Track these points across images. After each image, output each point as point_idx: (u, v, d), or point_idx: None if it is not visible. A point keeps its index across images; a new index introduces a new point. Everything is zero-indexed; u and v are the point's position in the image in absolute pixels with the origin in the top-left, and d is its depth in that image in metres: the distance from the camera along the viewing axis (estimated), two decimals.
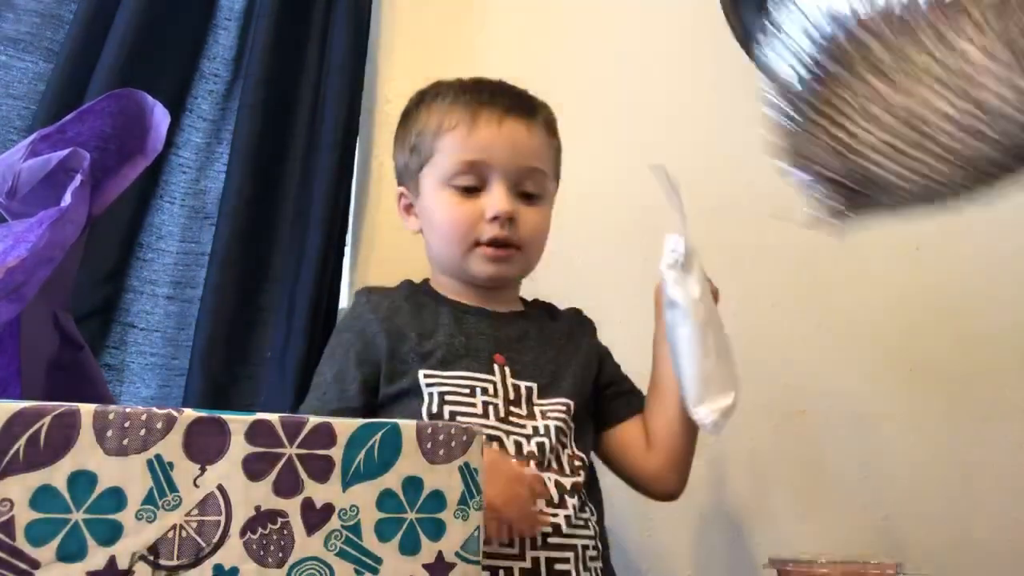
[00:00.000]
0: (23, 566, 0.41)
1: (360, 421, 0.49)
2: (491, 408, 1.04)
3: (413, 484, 0.50)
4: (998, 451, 1.53)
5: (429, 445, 0.50)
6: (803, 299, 1.55)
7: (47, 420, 0.43)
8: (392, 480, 0.49)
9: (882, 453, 1.51)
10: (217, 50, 1.42)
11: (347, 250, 1.45)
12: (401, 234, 1.47)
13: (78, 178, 0.59)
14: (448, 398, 1.03)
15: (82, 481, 0.43)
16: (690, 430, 1.13)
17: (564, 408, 1.08)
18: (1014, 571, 1.48)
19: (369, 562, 0.48)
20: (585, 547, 1.02)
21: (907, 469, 1.51)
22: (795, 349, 1.53)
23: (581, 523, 1.03)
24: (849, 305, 1.57)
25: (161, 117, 0.66)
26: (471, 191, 1.09)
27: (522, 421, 1.05)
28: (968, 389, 1.55)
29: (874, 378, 1.54)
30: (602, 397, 1.17)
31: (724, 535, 1.44)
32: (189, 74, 1.40)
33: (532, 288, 1.23)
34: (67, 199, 0.57)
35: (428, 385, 1.04)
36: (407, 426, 0.50)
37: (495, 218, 1.07)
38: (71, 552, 0.42)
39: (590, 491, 1.10)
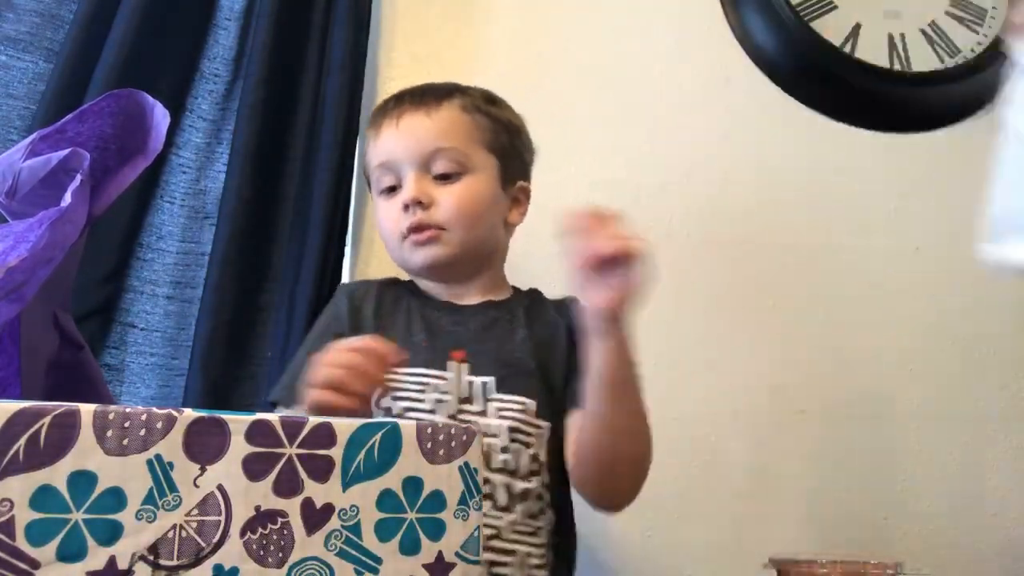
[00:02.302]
0: (23, 566, 0.41)
1: (360, 421, 0.49)
2: (441, 406, 1.03)
3: (413, 484, 0.49)
4: (998, 451, 1.53)
5: (429, 445, 0.50)
6: (803, 299, 1.55)
7: (47, 420, 0.43)
8: (392, 480, 0.49)
9: (882, 453, 1.51)
10: (217, 50, 1.42)
11: (347, 250, 1.45)
12: None
13: (78, 178, 0.58)
14: (400, 394, 1.04)
15: (82, 481, 0.43)
16: (607, 437, 0.99)
17: (520, 407, 1.05)
18: (1014, 571, 1.47)
19: (369, 562, 0.47)
20: (529, 554, 1.01)
21: (907, 469, 1.50)
22: (795, 349, 1.53)
23: (529, 530, 1.02)
24: (849, 305, 1.57)
25: (161, 117, 0.66)
26: (393, 192, 1.13)
27: (474, 419, 1.03)
28: (968, 389, 1.55)
29: (874, 378, 1.54)
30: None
31: (724, 535, 1.44)
32: (189, 74, 1.40)
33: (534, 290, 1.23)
34: (67, 199, 0.57)
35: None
36: (407, 426, 0.50)
37: (406, 207, 1.09)
38: (71, 552, 0.42)
39: (556, 496, 1.07)
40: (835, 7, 1.66)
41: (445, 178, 1.11)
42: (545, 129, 1.57)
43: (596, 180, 1.55)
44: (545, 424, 1.06)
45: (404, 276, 1.21)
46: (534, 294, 1.20)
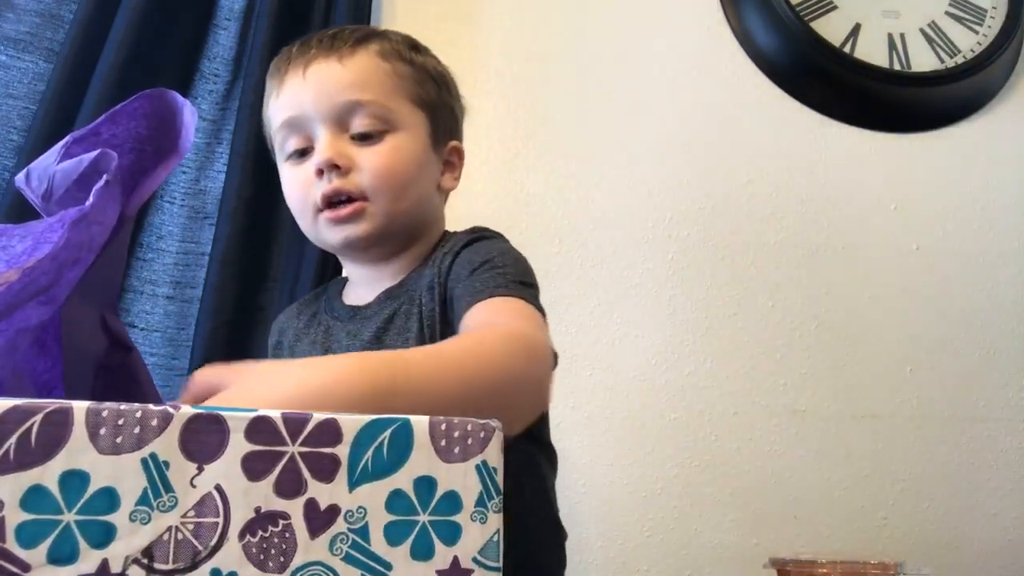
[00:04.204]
0: (14, 569, 0.39)
1: (368, 417, 0.46)
2: None
3: (426, 484, 0.46)
4: (998, 451, 1.53)
5: (443, 442, 0.47)
6: (803, 299, 1.55)
7: (39, 417, 0.41)
8: (403, 480, 0.46)
9: (882, 453, 1.51)
10: (217, 50, 1.43)
11: None
12: None
13: (103, 178, 0.58)
14: None
15: (74, 481, 0.41)
16: None
17: None
18: (1014, 571, 1.47)
19: (378, 567, 0.44)
20: None
21: (907, 469, 1.50)
22: (795, 349, 1.53)
23: None
24: (849, 305, 1.57)
25: (190, 116, 0.65)
26: (304, 156, 0.95)
27: None
28: (967, 389, 1.55)
29: (874, 378, 1.54)
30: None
31: (724, 535, 1.44)
32: (189, 74, 1.40)
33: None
34: (90, 200, 0.57)
35: None
36: (419, 422, 0.47)
37: (320, 172, 0.92)
38: (63, 555, 0.40)
39: None
40: (835, 7, 1.66)
41: (365, 138, 0.93)
42: (544, 129, 1.58)
43: (596, 180, 1.55)
44: None
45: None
46: (448, 247, 0.96)
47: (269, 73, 1.00)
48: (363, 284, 1.00)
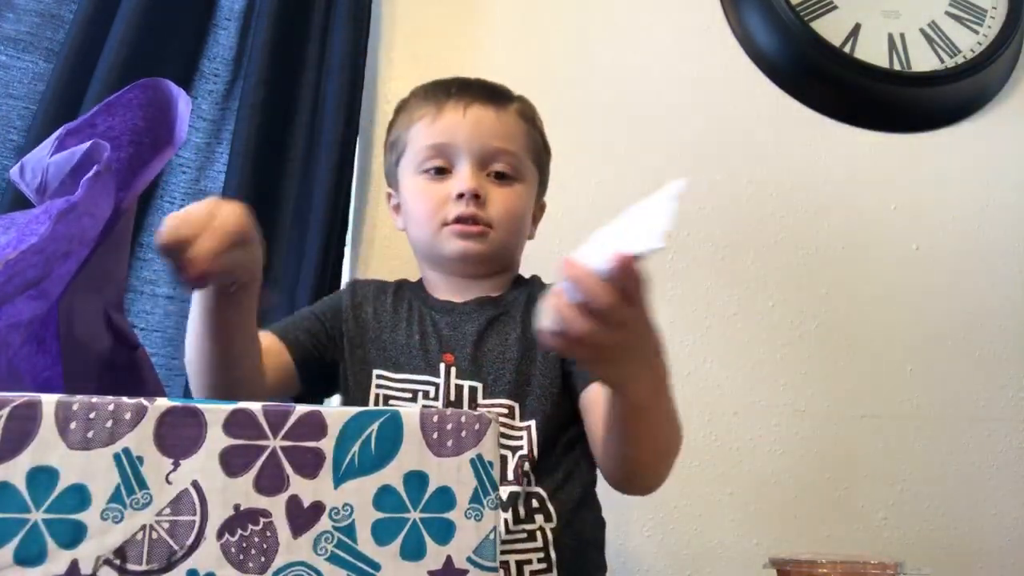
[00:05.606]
0: None
1: (355, 409, 0.44)
2: None
3: (416, 479, 0.44)
4: (998, 451, 1.53)
5: (435, 435, 0.45)
6: (803, 299, 1.55)
7: (6, 412, 0.40)
8: (392, 475, 0.44)
9: (882, 453, 1.51)
10: (217, 50, 1.43)
11: (347, 250, 1.45)
12: (401, 234, 1.48)
13: (93, 169, 0.57)
14: (391, 403, 1.03)
15: (42, 478, 0.40)
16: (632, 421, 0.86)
17: (505, 411, 1.01)
18: (1014, 571, 1.47)
19: (365, 568, 0.42)
20: (526, 561, 0.96)
21: (907, 469, 1.50)
22: (795, 349, 1.53)
23: (522, 535, 0.97)
24: (850, 305, 1.56)
25: (185, 106, 0.64)
26: (441, 174, 1.11)
27: None
28: (968, 389, 1.55)
29: (875, 378, 1.54)
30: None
31: (724, 535, 1.44)
32: (189, 74, 1.40)
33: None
34: (79, 191, 0.56)
35: (378, 387, 1.05)
36: (409, 414, 0.45)
37: (461, 195, 1.08)
38: (30, 555, 0.39)
39: (558, 489, 1.01)
40: (835, 7, 1.66)
41: (500, 178, 1.11)
42: (545, 129, 1.57)
43: (595, 180, 1.55)
44: (526, 424, 1.01)
45: (412, 276, 1.19)
46: (534, 283, 1.16)
47: (421, 96, 1.16)
48: (446, 290, 1.14)
